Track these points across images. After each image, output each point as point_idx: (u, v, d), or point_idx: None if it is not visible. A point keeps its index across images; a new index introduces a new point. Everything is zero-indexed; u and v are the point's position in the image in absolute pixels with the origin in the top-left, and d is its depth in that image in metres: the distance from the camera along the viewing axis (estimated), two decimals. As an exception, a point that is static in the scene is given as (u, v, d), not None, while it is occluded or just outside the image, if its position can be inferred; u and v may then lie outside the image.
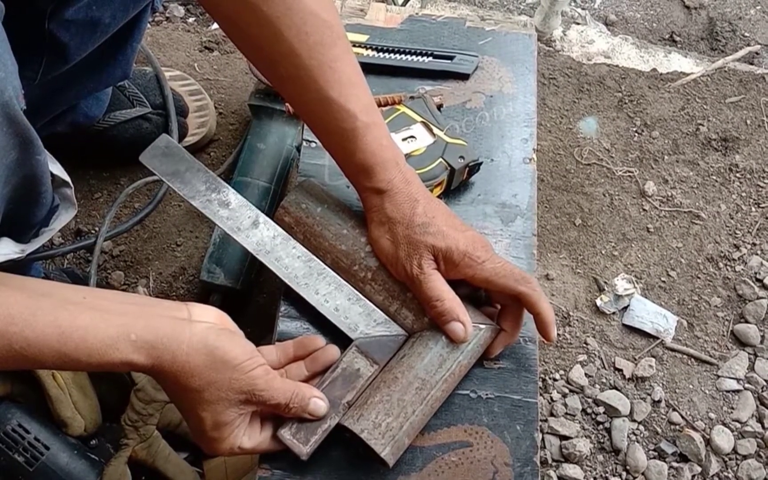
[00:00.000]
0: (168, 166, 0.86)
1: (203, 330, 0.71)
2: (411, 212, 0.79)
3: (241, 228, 0.85)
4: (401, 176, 0.80)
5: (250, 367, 0.71)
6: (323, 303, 0.82)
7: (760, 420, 1.16)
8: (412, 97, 0.95)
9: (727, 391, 1.17)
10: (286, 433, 0.75)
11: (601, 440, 1.13)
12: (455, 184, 0.92)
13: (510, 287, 0.78)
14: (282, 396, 0.73)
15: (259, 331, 1.16)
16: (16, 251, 0.80)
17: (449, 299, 0.78)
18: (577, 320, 1.21)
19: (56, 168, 0.83)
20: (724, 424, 1.15)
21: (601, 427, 1.14)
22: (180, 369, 0.69)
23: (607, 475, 1.12)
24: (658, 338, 1.20)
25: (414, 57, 1.00)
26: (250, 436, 0.74)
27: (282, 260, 0.84)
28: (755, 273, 1.26)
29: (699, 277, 1.26)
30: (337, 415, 0.76)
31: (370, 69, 0.96)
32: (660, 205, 1.32)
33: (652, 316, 1.21)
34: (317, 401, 0.75)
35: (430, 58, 1.01)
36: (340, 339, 0.81)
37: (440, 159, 0.90)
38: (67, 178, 0.85)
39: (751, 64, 1.58)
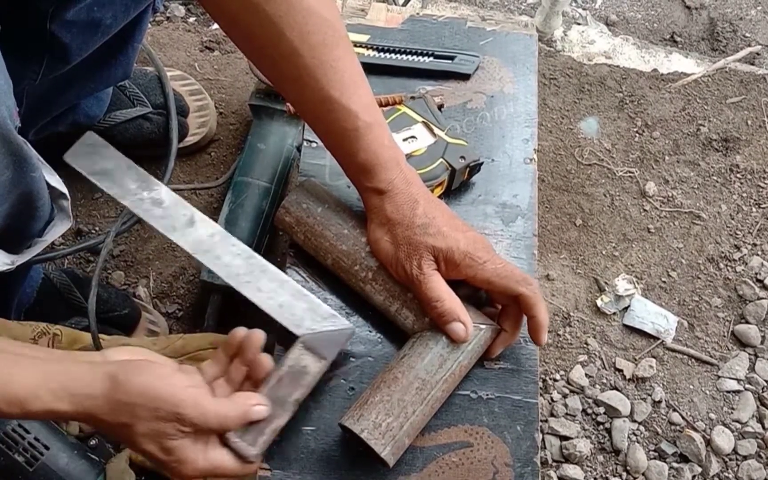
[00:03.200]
0: (95, 165, 0.82)
1: (113, 368, 0.70)
2: (411, 213, 0.79)
3: (176, 227, 0.81)
4: (402, 176, 0.80)
5: (170, 393, 0.69)
6: (266, 300, 0.79)
7: (760, 420, 1.16)
8: (412, 98, 0.95)
9: (728, 392, 1.17)
10: (232, 436, 0.72)
11: (602, 441, 1.13)
12: (456, 185, 0.92)
13: (510, 288, 0.78)
14: (215, 421, 0.71)
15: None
16: (6, 263, 0.80)
17: (449, 300, 0.78)
18: (577, 320, 1.21)
19: (54, 179, 0.82)
20: (725, 425, 1.15)
21: (601, 427, 1.14)
22: (103, 411, 0.68)
23: (607, 475, 1.12)
24: (658, 339, 1.20)
25: (415, 57, 1.00)
26: (206, 455, 0.72)
27: (221, 258, 0.81)
28: (756, 273, 1.26)
29: (699, 278, 1.26)
30: (286, 413, 0.75)
31: (370, 69, 0.96)
32: (661, 206, 1.32)
33: (653, 316, 1.21)
34: (258, 409, 0.73)
35: (431, 59, 1.00)
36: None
37: (441, 159, 0.90)
38: (65, 190, 0.84)
39: (752, 64, 1.58)
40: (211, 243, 0.81)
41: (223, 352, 0.78)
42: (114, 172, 0.82)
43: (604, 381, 1.17)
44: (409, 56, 1.00)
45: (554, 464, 1.12)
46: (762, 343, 1.21)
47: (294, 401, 0.75)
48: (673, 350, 1.20)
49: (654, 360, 1.18)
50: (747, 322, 1.22)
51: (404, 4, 1.44)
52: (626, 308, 1.22)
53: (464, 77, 1.01)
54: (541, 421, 1.13)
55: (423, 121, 0.93)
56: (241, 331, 0.77)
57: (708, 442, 1.13)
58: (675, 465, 1.12)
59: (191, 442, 0.71)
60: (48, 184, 0.81)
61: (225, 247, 0.81)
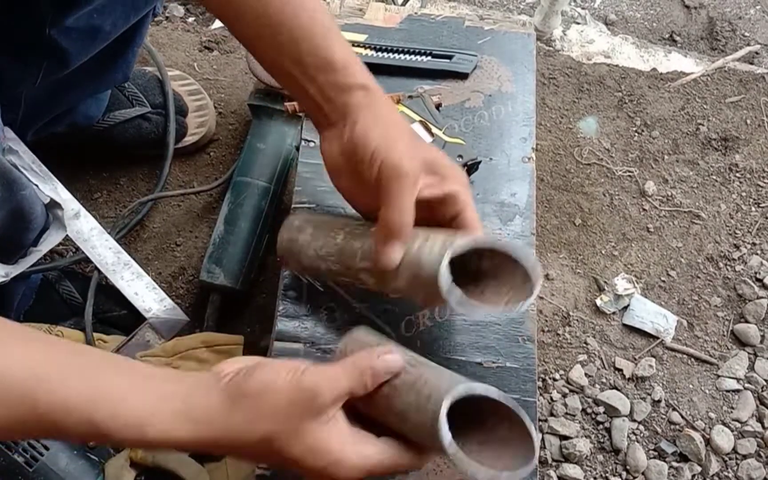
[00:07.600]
0: None
1: (235, 381, 0.62)
2: (399, 117, 0.75)
3: (65, 217, 0.96)
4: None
5: (295, 377, 0.62)
6: (126, 287, 1.07)
7: (760, 420, 1.16)
8: (410, 97, 0.95)
9: (727, 391, 1.17)
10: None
11: (601, 440, 1.13)
12: (454, 184, 0.92)
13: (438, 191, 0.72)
14: (347, 380, 0.63)
15: (259, 331, 1.16)
16: (0, 275, 0.80)
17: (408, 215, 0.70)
18: (577, 320, 1.21)
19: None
20: (724, 424, 1.15)
21: (601, 426, 1.14)
22: (234, 430, 0.61)
23: (607, 475, 1.12)
24: (658, 338, 1.20)
25: (413, 56, 1.00)
26: (361, 444, 0.63)
27: (96, 249, 1.05)
28: (755, 273, 1.26)
29: (699, 277, 1.26)
30: None
31: (368, 68, 0.96)
32: (660, 205, 1.31)
33: (652, 315, 1.21)
34: (387, 357, 0.65)
35: (429, 58, 1.01)
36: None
37: (439, 158, 0.90)
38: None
39: (751, 63, 1.58)
40: (89, 235, 1.05)
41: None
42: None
43: (604, 380, 1.17)
44: (407, 55, 1.00)
45: (554, 464, 1.12)
46: (761, 342, 1.21)
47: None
48: (673, 349, 1.20)
49: (653, 359, 1.18)
50: (746, 322, 1.22)
51: (402, 4, 1.44)
52: (626, 307, 1.22)
53: (462, 76, 1.01)
54: (541, 420, 1.13)
55: (421, 121, 0.93)
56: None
57: (708, 442, 1.13)
58: (675, 464, 1.12)
59: (336, 425, 0.63)
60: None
61: (100, 240, 1.06)
